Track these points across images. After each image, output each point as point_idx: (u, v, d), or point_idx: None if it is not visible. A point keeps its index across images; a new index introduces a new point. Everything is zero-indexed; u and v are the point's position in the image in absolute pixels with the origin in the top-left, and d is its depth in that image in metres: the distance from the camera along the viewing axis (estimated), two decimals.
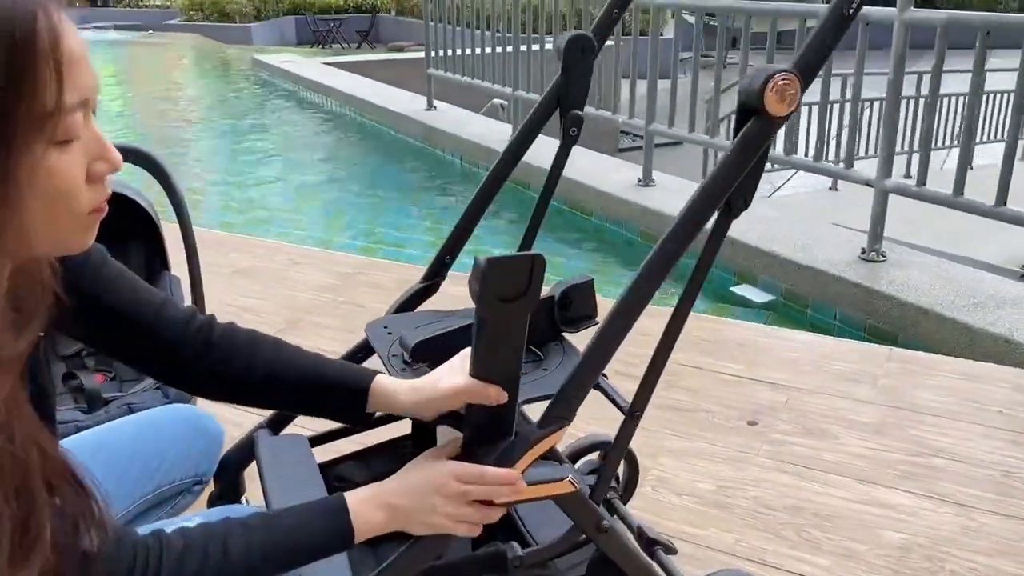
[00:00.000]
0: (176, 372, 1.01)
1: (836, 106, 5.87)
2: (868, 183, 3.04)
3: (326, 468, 1.33)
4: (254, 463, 1.30)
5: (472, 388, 0.93)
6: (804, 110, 4.98)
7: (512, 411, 1.07)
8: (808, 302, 3.12)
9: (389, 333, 1.34)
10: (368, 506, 0.89)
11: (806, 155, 4.38)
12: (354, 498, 0.90)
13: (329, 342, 2.51)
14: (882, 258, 3.08)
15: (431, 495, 0.91)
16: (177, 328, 0.99)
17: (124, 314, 0.97)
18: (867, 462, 1.92)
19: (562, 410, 1.08)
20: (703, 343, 2.48)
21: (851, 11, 1.02)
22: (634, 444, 1.25)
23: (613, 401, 1.26)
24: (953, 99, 7.93)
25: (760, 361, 2.37)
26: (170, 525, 0.86)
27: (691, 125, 3.96)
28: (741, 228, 3.50)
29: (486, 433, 1.04)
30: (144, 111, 8.45)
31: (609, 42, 4.86)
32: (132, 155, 1.79)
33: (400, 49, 16.22)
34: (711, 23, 4.96)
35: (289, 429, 1.47)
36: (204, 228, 3.59)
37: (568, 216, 4.37)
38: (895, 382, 2.27)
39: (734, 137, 1.05)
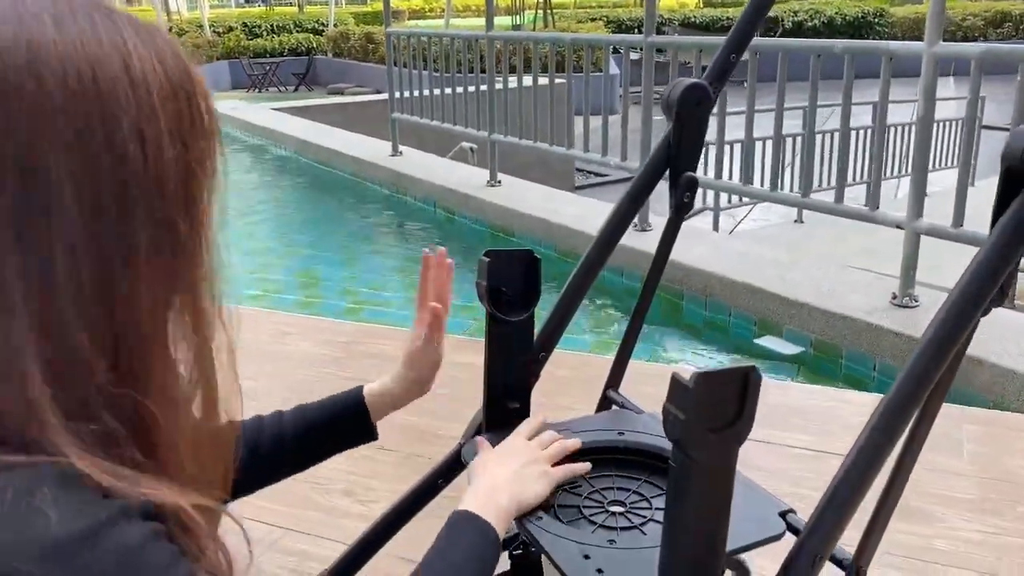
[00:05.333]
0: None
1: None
2: (899, 226, 2.87)
3: None
4: None
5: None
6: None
7: None
8: (841, 353, 2.92)
9: None
10: (491, 514, 0.89)
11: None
12: (475, 508, 0.89)
13: None
14: (916, 303, 2.91)
15: (524, 470, 0.97)
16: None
17: None
18: (987, 551, 1.70)
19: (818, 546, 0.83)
20: (763, 411, 2.25)
21: None
22: None
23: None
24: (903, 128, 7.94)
25: (828, 430, 2.15)
26: None
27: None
28: (755, 274, 3.31)
29: None
30: None
31: (560, 79, 4.76)
32: None
33: (340, 92, 15.94)
34: (662, 60, 4.93)
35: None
36: None
37: (560, 265, 4.13)
38: (983, 448, 2.07)
39: (993, 222, 0.81)
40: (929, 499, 1.87)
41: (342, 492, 1.96)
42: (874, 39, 18.16)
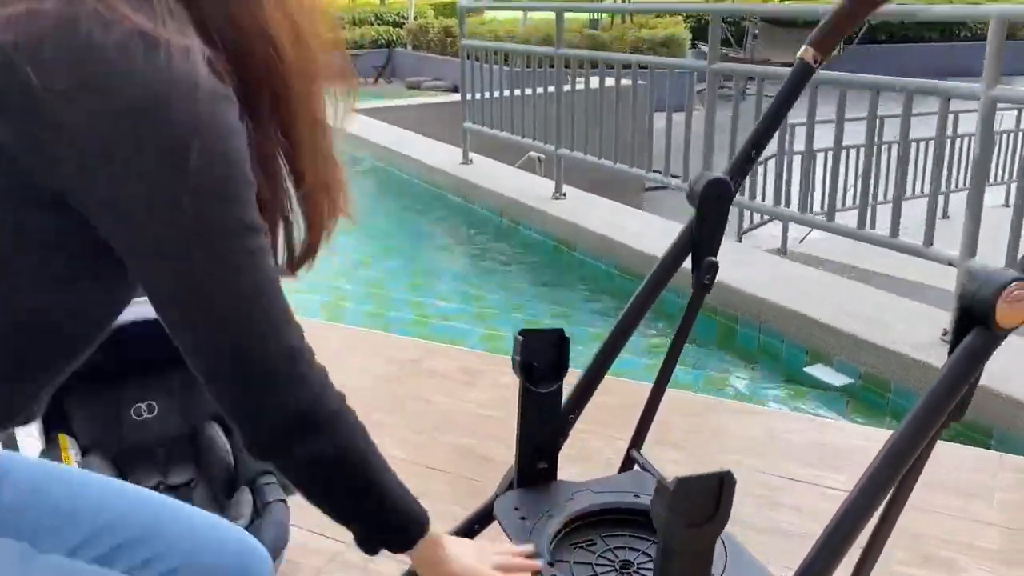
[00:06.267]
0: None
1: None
2: (951, 263, 2.91)
3: None
4: None
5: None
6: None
7: None
8: (889, 387, 2.98)
9: (523, 518, 1.22)
10: (438, 551, 0.98)
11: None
12: (434, 535, 0.98)
13: (397, 445, 2.38)
14: None
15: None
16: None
17: None
18: None
19: None
20: (802, 449, 2.35)
21: None
22: None
23: None
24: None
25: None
26: None
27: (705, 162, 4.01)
28: (808, 303, 3.37)
29: None
30: None
31: (625, 81, 4.84)
32: None
33: (417, 86, 16.23)
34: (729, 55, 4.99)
35: None
36: None
37: (619, 282, 4.25)
38: (1014, 497, 2.13)
39: (951, 348, 0.93)
40: (953, 547, 1.94)
41: None
42: (966, 36, 17.55)
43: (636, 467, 1.42)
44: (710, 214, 1.33)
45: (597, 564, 1.17)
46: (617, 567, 1.17)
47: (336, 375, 2.98)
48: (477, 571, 1.01)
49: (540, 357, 1.27)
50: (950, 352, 0.93)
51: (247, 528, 1.64)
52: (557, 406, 1.31)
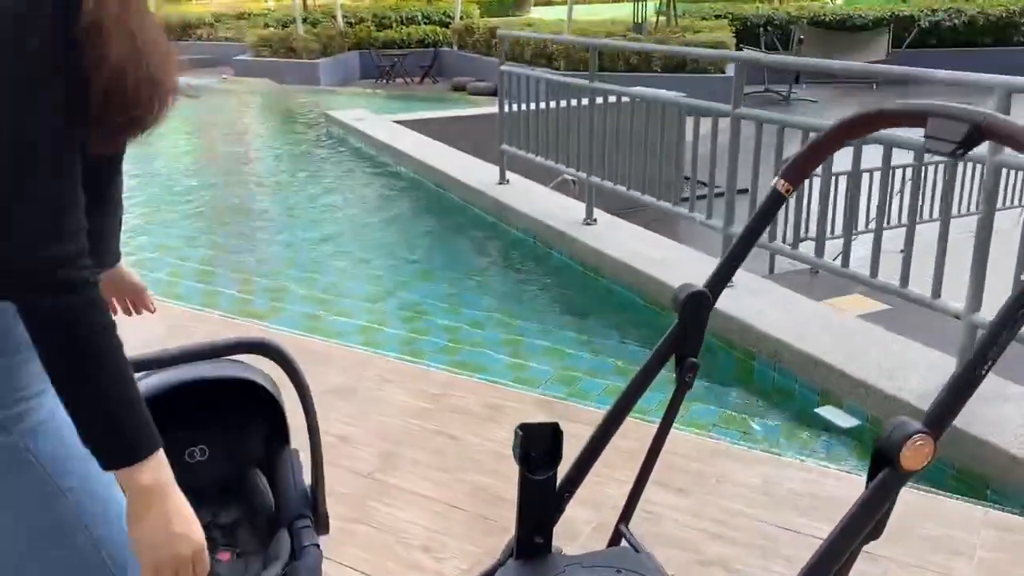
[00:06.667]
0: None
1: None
2: (957, 316, 3.03)
3: None
4: None
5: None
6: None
7: None
8: None
9: None
10: (153, 478, 0.99)
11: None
12: (157, 459, 0.99)
13: (424, 483, 2.59)
14: None
15: (173, 546, 1.00)
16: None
17: None
18: None
19: None
20: (800, 499, 2.50)
21: (984, 371, 1.07)
22: None
23: None
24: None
25: None
26: None
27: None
28: (821, 344, 3.51)
29: None
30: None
31: (651, 86, 4.99)
32: (260, 348, 1.90)
33: (462, 86, 16.48)
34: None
35: None
36: (286, 330, 3.75)
37: (644, 312, 4.41)
38: (994, 555, 2.26)
39: (868, 479, 1.10)
40: None
41: (421, 548, 2.34)
42: (1019, 40, 17.25)
43: (624, 541, 1.61)
44: (691, 321, 1.51)
45: None
46: None
47: (372, 409, 3.32)
48: (191, 526, 1.03)
49: (537, 448, 1.45)
50: (867, 482, 1.10)
51: (284, 568, 1.86)
52: (552, 489, 1.50)
